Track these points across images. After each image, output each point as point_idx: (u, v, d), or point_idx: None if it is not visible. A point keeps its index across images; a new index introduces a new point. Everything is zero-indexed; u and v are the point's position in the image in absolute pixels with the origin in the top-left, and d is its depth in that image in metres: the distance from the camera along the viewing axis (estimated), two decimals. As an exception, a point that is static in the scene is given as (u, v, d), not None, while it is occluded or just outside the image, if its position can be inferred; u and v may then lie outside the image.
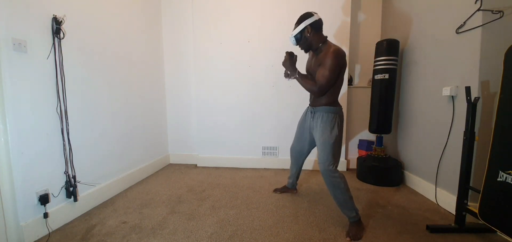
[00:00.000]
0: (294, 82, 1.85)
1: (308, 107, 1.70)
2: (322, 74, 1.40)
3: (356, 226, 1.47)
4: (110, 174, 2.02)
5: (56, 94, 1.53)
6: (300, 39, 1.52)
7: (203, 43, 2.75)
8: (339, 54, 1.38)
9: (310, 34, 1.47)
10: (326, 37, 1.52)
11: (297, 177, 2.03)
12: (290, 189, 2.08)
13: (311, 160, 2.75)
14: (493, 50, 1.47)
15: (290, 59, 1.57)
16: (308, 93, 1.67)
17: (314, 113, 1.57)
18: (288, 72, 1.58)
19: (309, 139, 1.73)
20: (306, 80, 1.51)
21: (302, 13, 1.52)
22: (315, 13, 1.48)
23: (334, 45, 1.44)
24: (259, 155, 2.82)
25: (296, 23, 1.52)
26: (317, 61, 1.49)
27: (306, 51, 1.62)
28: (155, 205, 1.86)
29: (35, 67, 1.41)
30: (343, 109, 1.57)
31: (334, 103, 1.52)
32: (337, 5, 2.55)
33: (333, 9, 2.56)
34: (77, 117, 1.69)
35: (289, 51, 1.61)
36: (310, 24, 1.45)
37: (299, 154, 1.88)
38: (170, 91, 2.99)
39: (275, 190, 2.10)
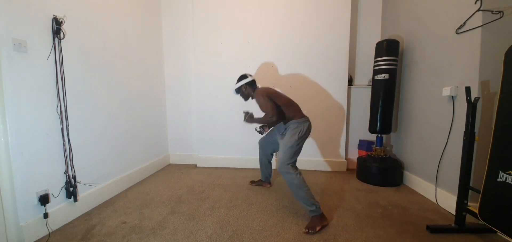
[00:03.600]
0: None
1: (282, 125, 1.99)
2: (264, 108, 1.80)
3: (316, 219, 1.55)
4: (110, 174, 2.02)
5: (56, 94, 1.53)
6: (239, 92, 2.01)
7: (203, 43, 2.75)
8: (260, 92, 1.82)
9: (246, 90, 1.97)
10: (256, 87, 1.99)
11: (270, 173, 2.24)
12: (264, 182, 2.26)
13: (311, 161, 2.75)
14: (493, 50, 1.47)
15: (247, 115, 2.00)
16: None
17: (286, 128, 1.85)
18: (257, 127, 1.99)
19: (274, 146, 2.07)
20: (263, 118, 1.88)
21: (240, 75, 1.99)
22: (250, 75, 1.97)
23: (258, 88, 1.93)
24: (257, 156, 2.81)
25: (237, 80, 1.99)
26: (257, 103, 1.89)
27: (245, 100, 2.05)
28: (155, 205, 1.86)
29: (35, 67, 1.41)
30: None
31: (298, 115, 1.81)
32: (337, 5, 2.55)
33: (333, 9, 2.56)
34: (77, 117, 1.69)
35: (244, 111, 2.03)
36: (245, 83, 1.94)
37: (266, 145, 2.15)
38: (170, 91, 2.99)
39: (252, 182, 2.31)
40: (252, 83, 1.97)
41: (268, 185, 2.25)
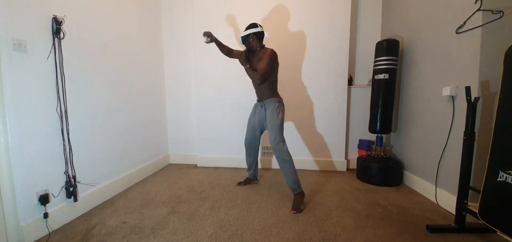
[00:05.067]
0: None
1: (257, 104, 2.04)
2: (261, 65, 1.79)
3: (299, 197, 1.80)
4: (110, 174, 2.02)
5: (56, 94, 1.53)
6: (245, 41, 1.92)
7: (203, 43, 2.73)
8: (273, 52, 1.82)
9: (253, 40, 1.88)
10: (264, 45, 1.93)
11: (256, 167, 2.26)
12: (251, 180, 2.28)
13: (311, 161, 2.75)
14: (493, 50, 1.47)
15: (207, 35, 1.94)
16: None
17: (265, 105, 1.91)
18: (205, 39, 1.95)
19: (259, 128, 2.07)
20: (251, 70, 1.87)
21: (250, 23, 1.90)
22: (260, 25, 1.89)
23: (268, 48, 1.86)
24: (259, 155, 2.81)
25: (246, 28, 1.90)
26: (257, 59, 1.89)
27: (249, 52, 1.97)
28: (155, 205, 1.86)
29: (35, 67, 1.41)
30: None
31: (276, 94, 1.92)
32: (337, 5, 2.55)
33: (333, 9, 2.56)
34: (77, 117, 1.69)
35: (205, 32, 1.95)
36: (254, 33, 1.86)
37: (252, 143, 2.14)
38: (170, 91, 2.99)
39: (239, 183, 2.28)
40: (260, 35, 1.89)
41: (256, 181, 2.31)
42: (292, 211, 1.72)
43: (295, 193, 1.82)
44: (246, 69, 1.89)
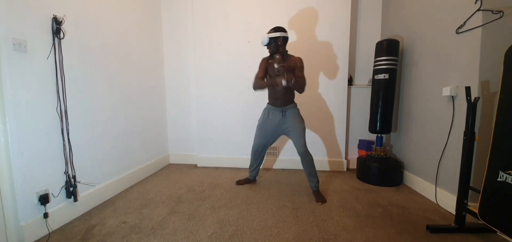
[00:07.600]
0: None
1: (274, 108, 1.97)
2: (301, 73, 1.83)
3: (319, 193, 1.95)
4: (110, 174, 2.02)
5: (56, 94, 1.53)
6: (272, 42, 1.86)
7: (203, 43, 2.74)
8: (300, 59, 1.87)
9: (281, 44, 1.87)
10: (287, 50, 1.96)
11: (258, 168, 2.28)
12: (251, 180, 2.32)
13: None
14: (493, 50, 1.47)
15: (283, 70, 1.74)
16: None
17: (286, 111, 1.92)
18: (287, 81, 1.71)
19: (276, 134, 2.05)
20: (301, 82, 1.81)
21: (279, 25, 1.90)
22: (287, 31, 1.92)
23: (298, 56, 1.90)
24: (259, 155, 2.81)
25: (272, 30, 1.87)
26: (289, 64, 1.83)
27: (272, 54, 1.90)
28: (155, 205, 1.86)
29: (35, 67, 1.41)
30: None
31: (293, 99, 1.99)
32: (337, 5, 2.55)
33: (333, 9, 2.56)
34: (77, 117, 1.69)
35: (278, 65, 1.76)
36: (283, 37, 1.86)
37: (262, 149, 2.13)
38: (170, 91, 2.99)
39: (238, 182, 2.31)
40: (287, 40, 1.93)
41: (255, 182, 2.34)
42: (319, 202, 1.87)
43: (315, 190, 1.96)
44: (295, 84, 1.70)
